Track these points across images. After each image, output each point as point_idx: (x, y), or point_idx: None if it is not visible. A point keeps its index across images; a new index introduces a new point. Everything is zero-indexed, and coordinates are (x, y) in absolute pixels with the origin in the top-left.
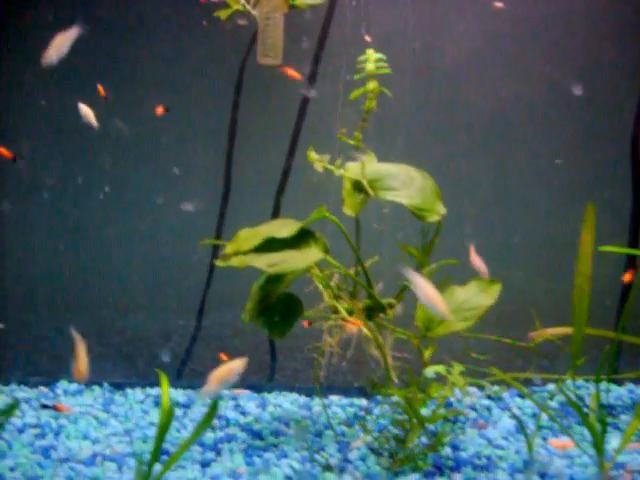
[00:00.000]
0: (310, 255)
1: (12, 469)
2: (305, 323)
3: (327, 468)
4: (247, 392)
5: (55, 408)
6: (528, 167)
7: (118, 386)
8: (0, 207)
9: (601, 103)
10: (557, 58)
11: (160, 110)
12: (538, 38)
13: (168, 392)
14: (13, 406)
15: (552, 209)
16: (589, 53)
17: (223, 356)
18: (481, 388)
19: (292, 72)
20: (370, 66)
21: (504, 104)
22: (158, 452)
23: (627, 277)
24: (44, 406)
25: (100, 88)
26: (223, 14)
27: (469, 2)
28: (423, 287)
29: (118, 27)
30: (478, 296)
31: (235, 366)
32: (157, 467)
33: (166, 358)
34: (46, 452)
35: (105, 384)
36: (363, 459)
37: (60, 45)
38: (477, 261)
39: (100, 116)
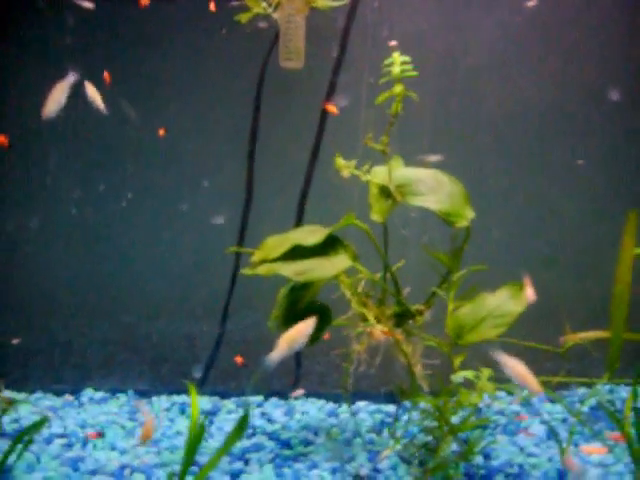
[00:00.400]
0: (338, 263)
1: None
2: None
3: (358, 478)
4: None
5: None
6: (559, 169)
7: (143, 394)
8: (23, 218)
9: (632, 103)
10: (585, 57)
11: (162, 132)
12: (564, 37)
13: (197, 405)
14: (42, 421)
15: (583, 212)
16: (619, 52)
17: (239, 359)
18: (510, 393)
19: (331, 108)
20: (396, 69)
21: (533, 105)
22: (188, 467)
23: None
24: None
25: (107, 75)
26: (244, 18)
27: (492, 2)
28: (514, 366)
29: (139, 33)
30: (509, 303)
31: (304, 327)
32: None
33: (197, 374)
34: (75, 464)
35: (130, 392)
36: (394, 468)
37: (58, 98)
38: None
39: (120, 122)
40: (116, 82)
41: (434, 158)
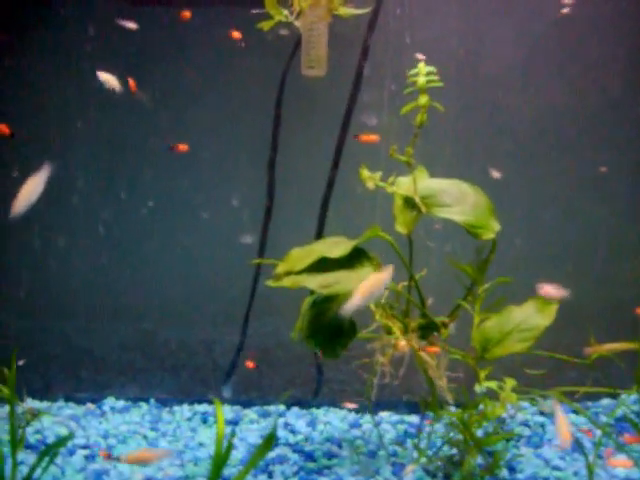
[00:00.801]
0: (364, 275)
1: None
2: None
3: None
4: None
5: None
6: (581, 175)
7: (165, 402)
8: (43, 226)
9: None
10: (604, 63)
11: (180, 148)
12: (584, 43)
13: (223, 423)
14: (68, 437)
15: (609, 219)
16: (638, 57)
17: (249, 364)
18: (534, 404)
19: (367, 138)
20: (421, 80)
21: (552, 111)
22: None
23: None
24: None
25: (132, 84)
26: (266, 25)
27: (513, 7)
28: (560, 420)
29: (158, 40)
30: (535, 316)
31: (382, 277)
32: None
33: (226, 394)
34: (99, 477)
35: (152, 400)
36: None
37: (30, 192)
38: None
39: (142, 133)
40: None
41: (496, 175)
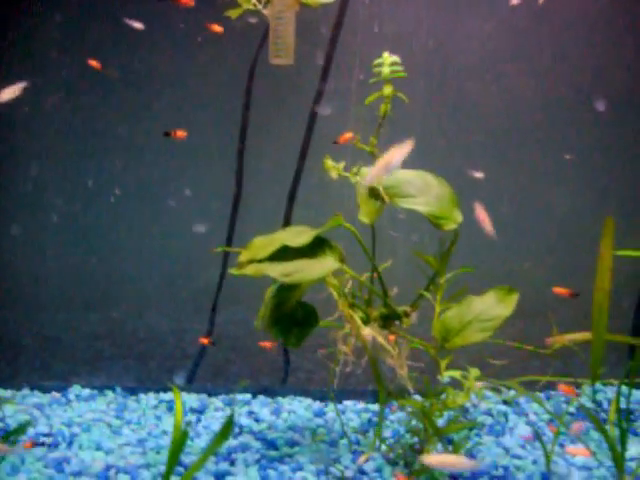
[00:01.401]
0: (326, 264)
1: None
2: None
3: None
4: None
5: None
6: (545, 168)
7: (131, 391)
8: (10, 213)
9: (620, 102)
10: (574, 56)
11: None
12: (556, 35)
13: (182, 410)
14: (26, 424)
15: (569, 211)
16: (608, 51)
17: (204, 340)
18: (497, 393)
19: (344, 138)
20: (386, 70)
21: (520, 103)
22: (172, 471)
23: None
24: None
25: (95, 64)
26: (233, 13)
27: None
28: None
29: (126, 28)
30: (496, 306)
31: (400, 151)
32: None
33: (179, 380)
34: (59, 466)
35: (118, 389)
36: (379, 470)
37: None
38: (483, 217)
39: (109, 120)
40: (105, 79)
41: (479, 175)
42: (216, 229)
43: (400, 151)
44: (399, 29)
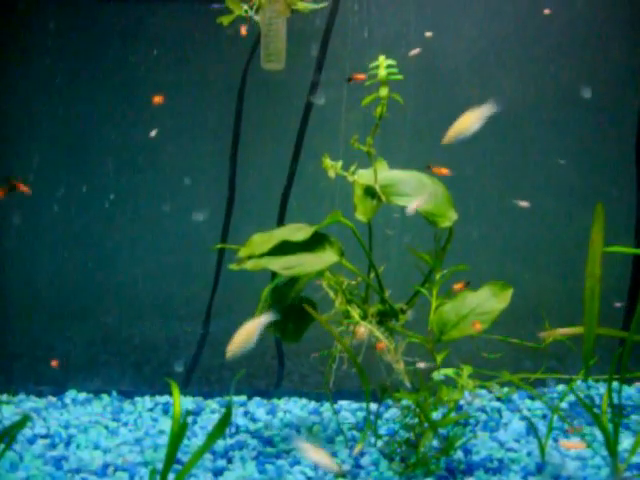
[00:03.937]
0: (325, 258)
1: None
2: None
3: (340, 475)
4: None
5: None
6: (534, 168)
7: (127, 394)
8: (4, 217)
9: (605, 103)
10: (561, 58)
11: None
12: (542, 38)
13: (180, 403)
14: (24, 419)
15: (559, 210)
16: (593, 53)
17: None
18: (491, 390)
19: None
20: (382, 72)
21: (508, 105)
22: (171, 464)
23: None
24: None
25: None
26: (225, 20)
27: (472, 3)
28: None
29: (119, 34)
30: (490, 300)
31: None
32: (170, 477)
33: (179, 368)
34: (58, 463)
35: (114, 392)
36: (375, 464)
37: None
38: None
39: (103, 124)
40: (98, 82)
41: (524, 204)
42: (210, 235)
43: (476, 114)
44: (389, 33)
